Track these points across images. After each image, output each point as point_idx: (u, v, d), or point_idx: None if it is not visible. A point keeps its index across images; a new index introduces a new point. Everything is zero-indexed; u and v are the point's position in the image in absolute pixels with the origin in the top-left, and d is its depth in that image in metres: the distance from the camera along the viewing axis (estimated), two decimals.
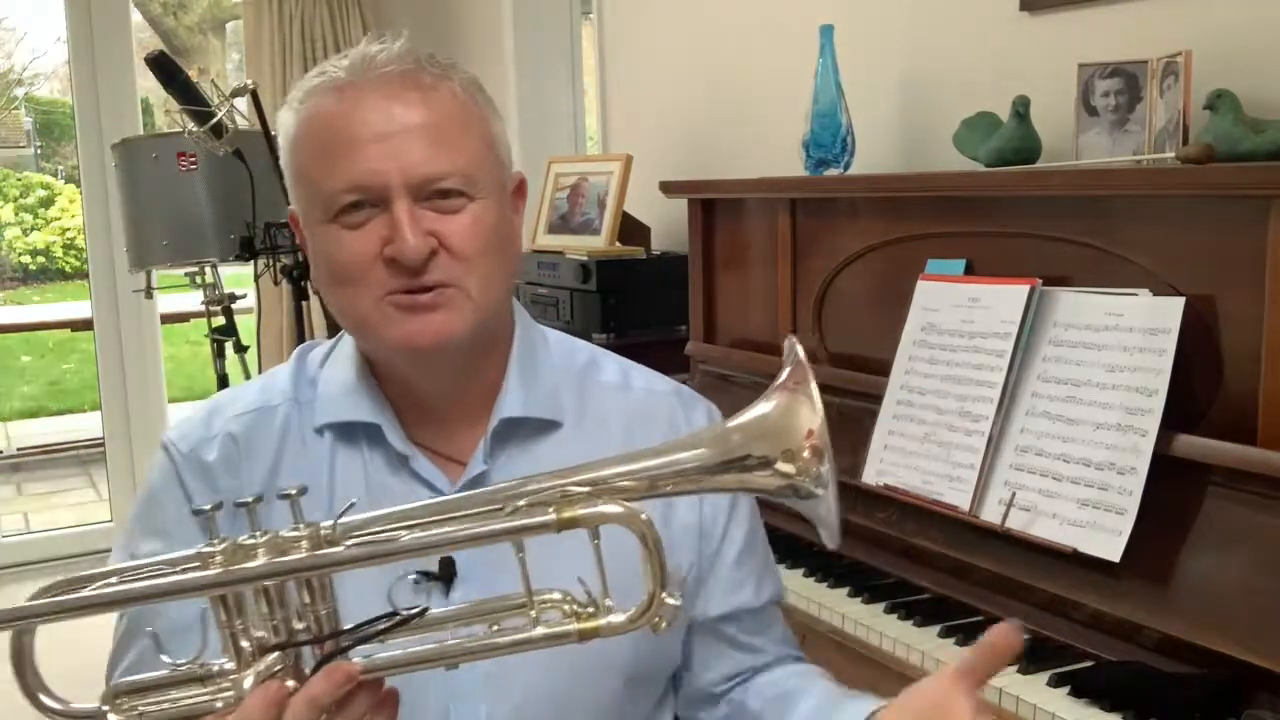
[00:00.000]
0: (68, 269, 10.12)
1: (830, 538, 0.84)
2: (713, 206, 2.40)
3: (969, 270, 1.79)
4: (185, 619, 0.97)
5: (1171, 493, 1.41)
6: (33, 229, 10.22)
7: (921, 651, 1.50)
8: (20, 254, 10.23)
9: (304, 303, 2.86)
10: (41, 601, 0.79)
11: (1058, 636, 1.49)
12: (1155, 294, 1.49)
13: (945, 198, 1.85)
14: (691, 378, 2.40)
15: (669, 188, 2.48)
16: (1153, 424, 1.43)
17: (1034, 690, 1.37)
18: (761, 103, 2.81)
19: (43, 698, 0.81)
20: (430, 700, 1.03)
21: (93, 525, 4.66)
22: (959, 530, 1.63)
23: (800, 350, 0.85)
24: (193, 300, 3.34)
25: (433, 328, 1.01)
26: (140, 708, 0.81)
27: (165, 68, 2.70)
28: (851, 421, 1.91)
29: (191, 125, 2.72)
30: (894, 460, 1.76)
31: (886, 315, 1.88)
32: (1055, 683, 1.38)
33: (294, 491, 0.81)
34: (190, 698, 0.81)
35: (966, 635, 1.52)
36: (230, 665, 0.80)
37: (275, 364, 1.17)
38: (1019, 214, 1.73)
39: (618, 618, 0.81)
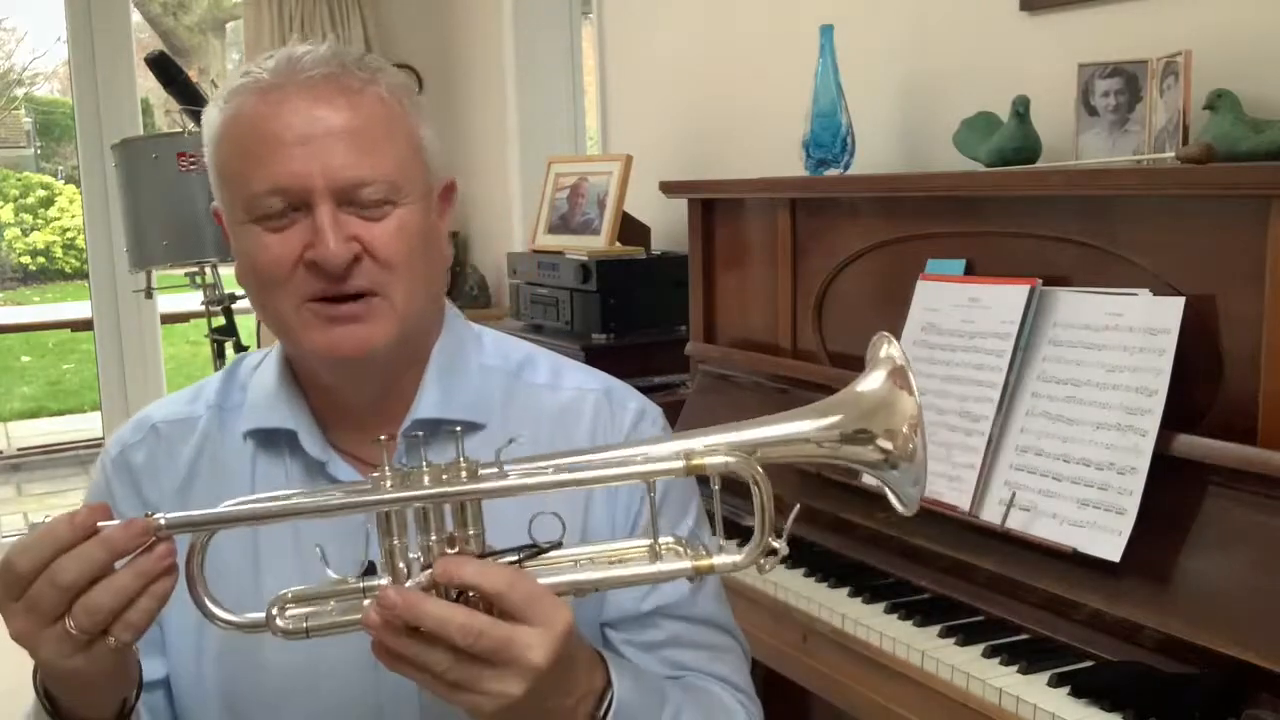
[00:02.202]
0: (68, 269, 10.11)
1: (908, 509, 0.96)
2: (713, 206, 2.40)
3: (969, 270, 1.79)
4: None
5: (1171, 493, 1.41)
6: (33, 229, 10.21)
7: (921, 651, 1.50)
8: (20, 254, 10.22)
9: None
10: (219, 511, 0.86)
11: (1058, 636, 1.49)
12: (1155, 294, 1.49)
13: (945, 198, 1.85)
14: (691, 378, 2.41)
15: (669, 188, 2.48)
16: (1153, 424, 1.42)
17: (1034, 690, 1.37)
18: (761, 103, 2.80)
19: (211, 607, 0.87)
20: (364, 698, 1.03)
21: None
22: (959, 530, 1.63)
23: (897, 348, 0.96)
24: (193, 300, 3.34)
25: (354, 338, 1.00)
26: (304, 615, 0.87)
27: (165, 68, 2.70)
28: None
29: (191, 125, 2.72)
30: None
31: (886, 315, 1.88)
32: (1055, 683, 1.38)
33: (459, 429, 0.87)
34: (350, 608, 0.86)
35: (966, 635, 1.52)
36: (387, 580, 0.86)
37: None
38: (1019, 214, 1.73)
39: (731, 557, 0.89)
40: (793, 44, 2.56)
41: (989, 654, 1.47)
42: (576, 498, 1.07)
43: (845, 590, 1.71)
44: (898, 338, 1.79)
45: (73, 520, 0.84)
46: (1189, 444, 1.41)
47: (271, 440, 1.09)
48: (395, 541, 0.86)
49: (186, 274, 3.17)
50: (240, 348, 3.09)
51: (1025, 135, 1.87)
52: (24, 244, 10.20)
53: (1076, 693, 1.35)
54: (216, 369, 3.08)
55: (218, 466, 1.10)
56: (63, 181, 10.39)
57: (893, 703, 1.54)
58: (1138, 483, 1.42)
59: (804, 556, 1.83)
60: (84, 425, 6.87)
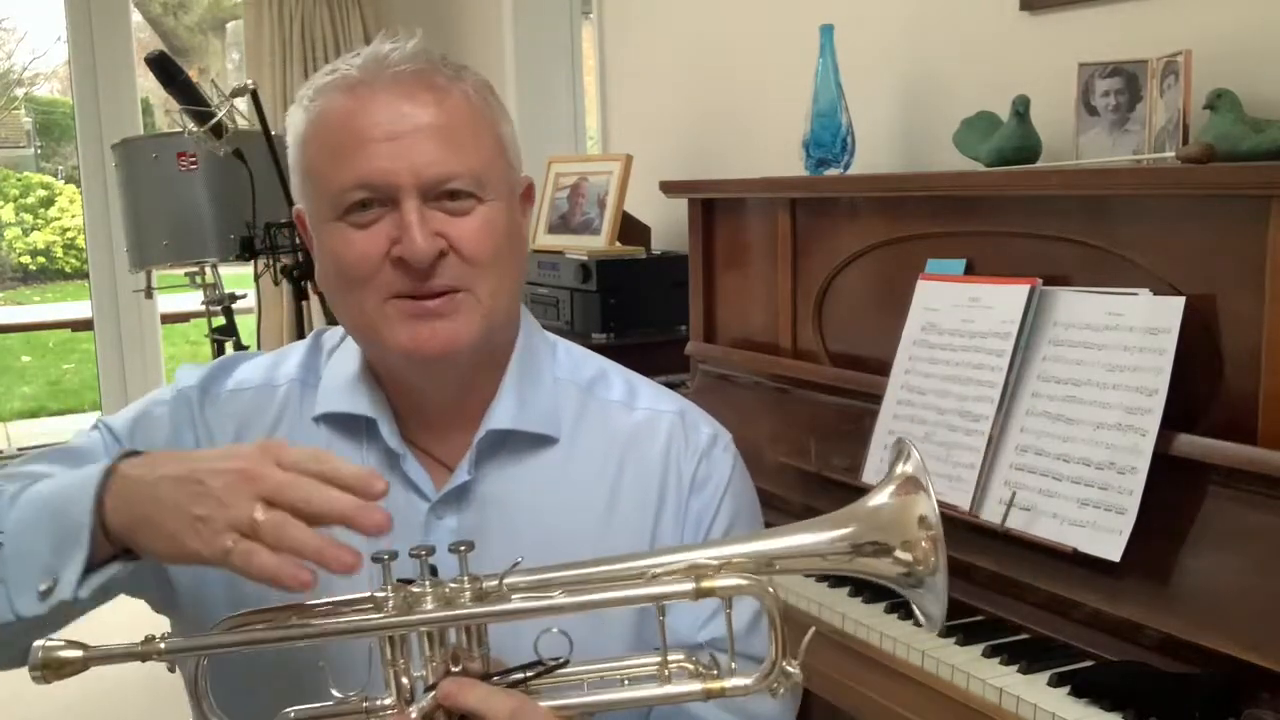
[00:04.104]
0: (68, 269, 10.11)
1: (932, 627, 0.89)
2: (713, 206, 2.40)
3: (969, 270, 1.79)
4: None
5: (1171, 493, 1.40)
6: (33, 229, 10.21)
7: (921, 651, 1.50)
8: (20, 254, 10.22)
9: (304, 302, 2.86)
10: (220, 637, 0.84)
11: (1058, 636, 1.49)
12: (1155, 294, 1.49)
13: (945, 198, 1.85)
14: (691, 377, 2.41)
15: (669, 188, 2.48)
16: (1153, 423, 1.42)
17: (1034, 690, 1.37)
18: (761, 103, 2.81)
19: None
20: None
21: None
22: (959, 530, 1.63)
23: (915, 454, 0.90)
24: (193, 300, 3.35)
25: (441, 336, 0.99)
26: None
27: (165, 68, 2.70)
28: (851, 421, 1.91)
29: (191, 125, 2.72)
30: None
31: (886, 315, 1.88)
32: (1055, 683, 1.38)
33: (464, 548, 0.86)
34: None
35: (967, 635, 1.52)
36: (390, 701, 0.86)
37: None
38: (1019, 214, 1.73)
39: (742, 680, 0.87)
40: (793, 44, 2.56)
41: (989, 654, 1.47)
42: (645, 518, 1.08)
43: (845, 590, 1.71)
44: (898, 337, 1.80)
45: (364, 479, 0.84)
46: (1189, 444, 1.41)
47: (349, 427, 1.08)
48: (401, 662, 0.85)
49: (186, 274, 3.18)
50: (240, 348, 3.09)
51: (1025, 135, 1.87)
52: (24, 244, 10.20)
53: (1076, 692, 1.35)
54: None
55: (294, 442, 1.07)
56: (63, 181, 10.39)
57: (893, 703, 1.53)
58: (1138, 482, 1.42)
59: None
60: (84, 425, 6.83)
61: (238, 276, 3.35)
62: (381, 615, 0.84)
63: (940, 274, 1.81)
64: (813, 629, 0.89)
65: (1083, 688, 1.35)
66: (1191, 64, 1.64)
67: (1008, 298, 1.66)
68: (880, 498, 0.91)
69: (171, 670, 0.85)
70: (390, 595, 0.84)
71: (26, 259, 10.26)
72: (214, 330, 3.11)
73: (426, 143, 0.98)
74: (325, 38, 4.31)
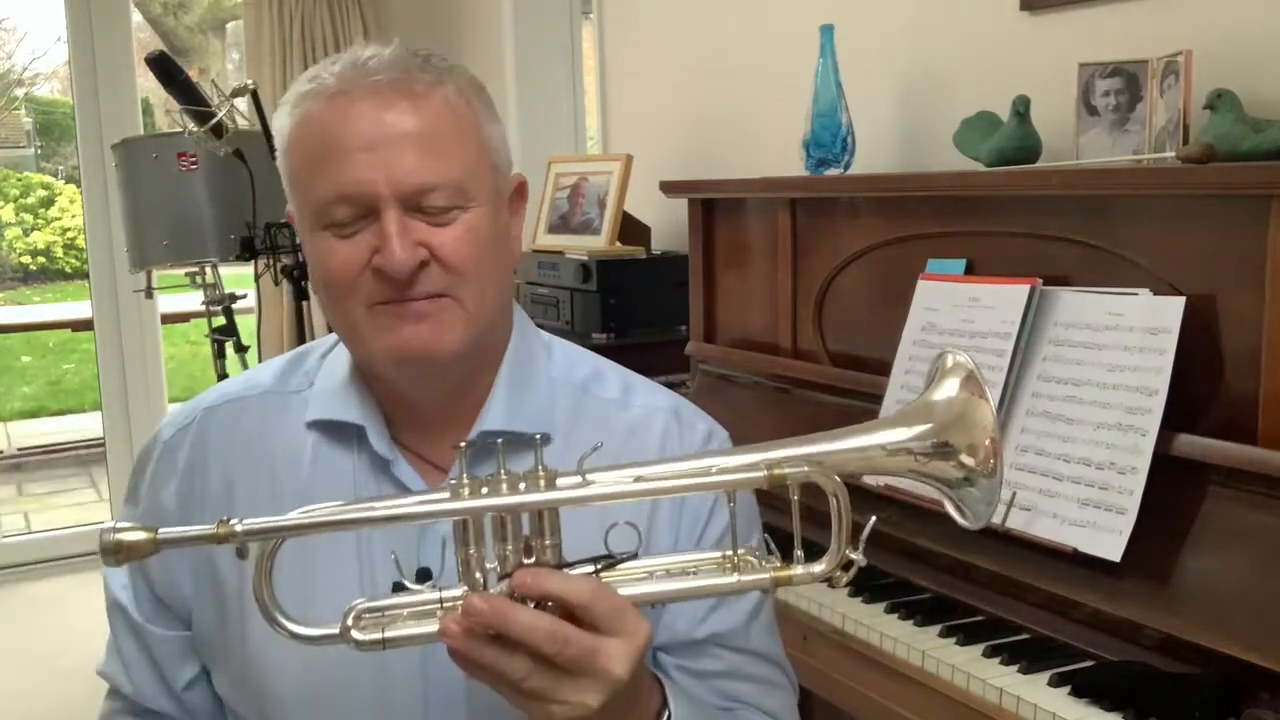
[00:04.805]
0: (68, 269, 10.11)
1: (976, 523, 0.92)
2: (713, 206, 2.40)
3: (969, 270, 1.79)
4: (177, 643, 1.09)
5: (1171, 493, 1.41)
6: (33, 229, 10.21)
7: (921, 651, 1.50)
8: (20, 254, 10.22)
9: (304, 302, 2.87)
10: (298, 519, 0.84)
11: (1058, 636, 1.49)
12: (1155, 294, 1.49)
13: (945, 198, 1.85)
14: (691, 377, 2.41)
15: (669, 188, 2.48)
16: (1153, 424, 1.43)
17: (1034, 690, 1.37)
18: (761, 103, 2.81)
19: (281, 620, 0.85)
20: (410, 699, 1.02)
21: (93, 525, 4.65)
22: (959, 530, 1.63)
23: (968, 360, 0.91)
24: (193, 300, 3.34)
25: (423, 337, 0.99)
26: (381, 624, 0.85)
27: (165, 68, 2.70)
28: (851, 421, 1.90)
29: (191, 125, 2.72)
30: None
31: (886, 315, 1.88)
32: (1055, 683, 1.38)
33: (539, 438, 0.87)
34: (425, 618, 0.85)
35: (967, 635, 1.52)
36: (462, 590, 0.85)
37: None
38: (1019, 214, 1.73)
39: (808, 568, 0.89)
40: (793, 44, 2.56)
41: (989, 654, 1.47)
42: (642, 509, 1.05)
43: (845, 590, 1.71)
44: (898, 338, 1.80)
45: None
46: (1189, 444, 1.41)
47: (338, 433, 1.07)
48: (472, 551, 0.84)
49: (186, 274, 3.17)
50: (240, 348, 3.09)
51: (1025, 135, 1.87)
52: (24, 244, 10.19)
53: (1076, 692, 1.35)
54: (216, 369, 3.09)
55: (269, 451, 1.08)
56: (63, 181, 10.38)
57: (893, 703, 1.54)
58: (1138, 482, 1.42)
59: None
60: (84, 425, 6.86)
61: (238, 276, 3.35)
62: (459, 500, 0.83)
63: (940, 274, 1.81)
64: (874, 519, 0.88)
65: (1083, 688, 1.35)
66: (1191, 64, 1.64)
67: (1008, 298, 1.66)
68: (942, 393, 0.91)
69: (242, 556, 0.84)
70: (466, 483, 0.84)
71: (26, 259, 10.26)
72: (214, 330, 3.10)
73: (406, 152, 0.96)
74: (325, 38, 4.31)
